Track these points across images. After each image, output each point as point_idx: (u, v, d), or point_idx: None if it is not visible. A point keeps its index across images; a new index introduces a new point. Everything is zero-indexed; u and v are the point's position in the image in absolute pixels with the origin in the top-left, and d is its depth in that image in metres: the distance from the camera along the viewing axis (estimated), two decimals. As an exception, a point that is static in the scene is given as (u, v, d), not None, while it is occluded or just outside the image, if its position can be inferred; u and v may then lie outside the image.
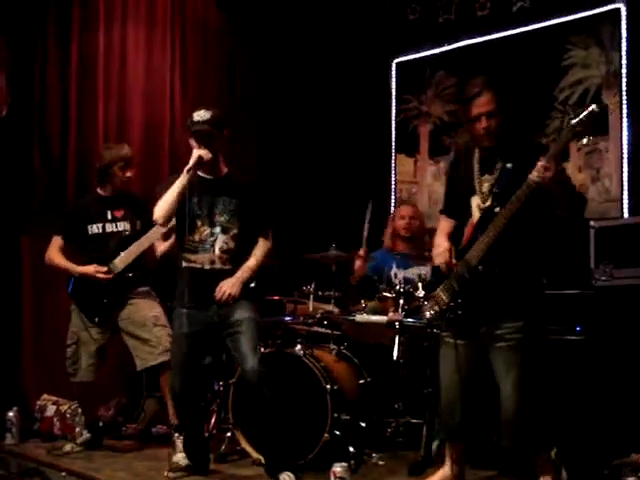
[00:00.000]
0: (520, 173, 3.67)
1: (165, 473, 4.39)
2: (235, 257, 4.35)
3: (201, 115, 4.31)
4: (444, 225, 4.10)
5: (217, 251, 4.32)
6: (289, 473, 4.11)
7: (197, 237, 4.33)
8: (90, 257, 5.09)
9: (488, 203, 3.77)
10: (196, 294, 4.31)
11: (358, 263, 5.65)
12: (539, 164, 3.55)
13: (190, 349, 4.34)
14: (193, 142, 4.37)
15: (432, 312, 3.92)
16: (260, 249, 4.43)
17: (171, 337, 4.69)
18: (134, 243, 5.05)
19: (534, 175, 3.56)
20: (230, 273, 4.32)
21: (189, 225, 4.35)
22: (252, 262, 4.39)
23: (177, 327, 4.42)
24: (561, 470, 3.81)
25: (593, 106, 3.54)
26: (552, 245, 4.85)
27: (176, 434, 4.82)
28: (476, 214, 3.83)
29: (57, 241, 5.21)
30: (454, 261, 3.83)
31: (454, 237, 3.98)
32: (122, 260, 5.03)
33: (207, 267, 4.31)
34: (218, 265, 4.32)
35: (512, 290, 3.74)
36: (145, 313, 5.05)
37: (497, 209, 3.70)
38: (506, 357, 3.72)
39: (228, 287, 4.27)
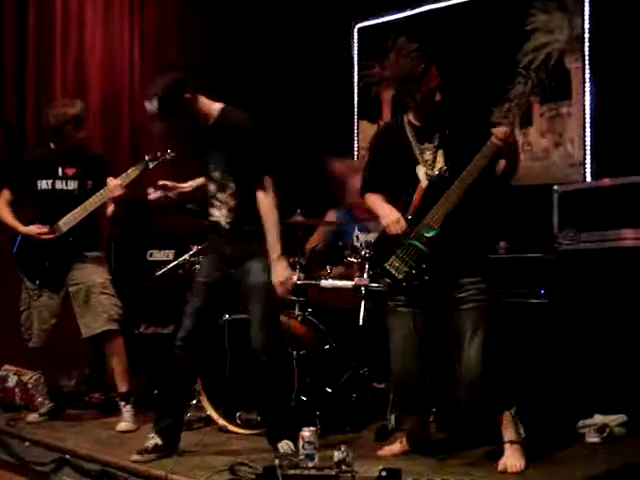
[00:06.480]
0: (461, 137, 3.73)
1: (132, 457, 3.97)
2: (239, 216, 4.08)
3: (148, 107, 3.91)
4: (378, 197, 4.04)
5: (224, 210, 4.10)
6: (288, 441, 4.04)
7: (211, 191, 4.14)
8: (36, 214, 4.92)
9: (437, 168, 3.77)
10: (214, 247, 4.22)
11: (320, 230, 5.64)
12: (500, 129, 3.62)
13: (205, 299, 4.15)
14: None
15: (387, 282, 3.93)
16: (267, 213, 4.01)
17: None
18: (80, 205, 4.84)
19: (495, 137, 3.61)
20: (240, 233, 4.08)
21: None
22: (272, 236, 4.02)
23: (197, 275, 4.30)
24: (519, 427, 3.83)
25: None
26: (509, 208, 4.94)
27: (122, 402, 4.83)
28: (424, 182, 3.80)
29: (5, 194, 5.02)
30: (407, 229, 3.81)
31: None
32: (66, 222, 4.83)
33: (222, 223, 4.11)
34: (227, 223, 4.10)
35: (472, 251, 3.77)
36: (92, 279, 4.88)
37: (447, 174, 3.71)
38: (473, 319, 3.73)
39: (286, 281, 4.06)
